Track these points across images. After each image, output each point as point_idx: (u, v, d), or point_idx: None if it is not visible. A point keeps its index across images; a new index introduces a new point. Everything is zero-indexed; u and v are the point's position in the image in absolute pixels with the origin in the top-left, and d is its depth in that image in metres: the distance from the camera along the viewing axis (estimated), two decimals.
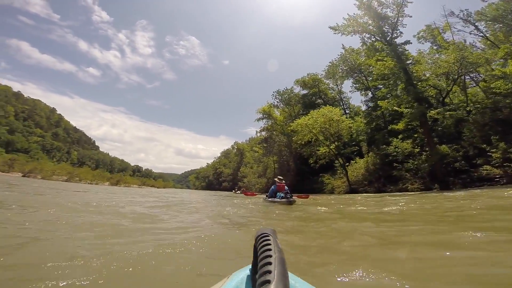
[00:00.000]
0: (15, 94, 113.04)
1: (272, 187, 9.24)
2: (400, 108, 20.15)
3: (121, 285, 1.58)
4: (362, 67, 35.96)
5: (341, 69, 38.59)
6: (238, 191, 34.97)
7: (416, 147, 19.46)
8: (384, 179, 20.58)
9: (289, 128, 28.21)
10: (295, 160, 35.80)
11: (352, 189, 22.00)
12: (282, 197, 8.31)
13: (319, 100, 39.96)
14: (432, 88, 22.23)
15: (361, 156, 26.04)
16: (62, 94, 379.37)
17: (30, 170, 31.72)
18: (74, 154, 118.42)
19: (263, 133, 40.74)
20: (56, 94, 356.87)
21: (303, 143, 26.10)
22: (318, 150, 25.07)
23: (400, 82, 21.36)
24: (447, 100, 22.23)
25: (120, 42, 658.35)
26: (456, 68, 18.46)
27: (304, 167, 32.58)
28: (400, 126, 22.93)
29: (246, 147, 75.07)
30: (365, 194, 18.72)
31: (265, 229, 0.51)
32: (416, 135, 20.73)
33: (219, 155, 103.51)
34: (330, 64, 38.46)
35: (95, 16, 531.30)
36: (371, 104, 33.01)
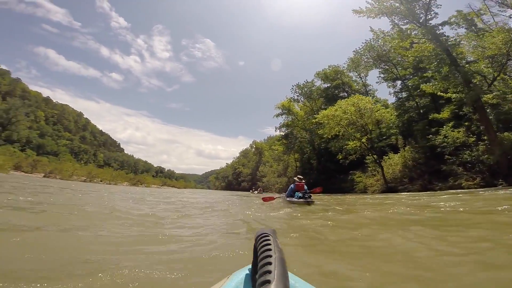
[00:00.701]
0: (44, 100, 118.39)
1: (291, 185, 8.96)
2: (447, 93, 16.98)
3: None
4: (391, 55, 32.54)
5: (366, 58, 35.28)
6: (256, 191, 34.93)
7: (471, 135, 16.16)
8: (429, 175, 17.42)
9: (313, 120, 25.53)
10: (318, 158, 32.96)
11: (390, 188, 18.96)
12: (300, 197, 8.03)
13: (342, 94, 36.85)
14: (476, 74, 18.85)
15: (394, 151, 22.84)
16: (89, 99, 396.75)
17: (50, 171, 31.43)
18: (100, 156, 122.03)
19: (283, 129, 38.11)
20: (83, 99, 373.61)
21: (329, 137, 23.33)
22: (347, 145, 22.17)
23: (443, 65, 18.17)
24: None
25: (139, 47, 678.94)
26: (505, 50, 15.10)
27: (330, 164, 29.68)
28: (445, 114, 19.66)
29: (264, 146, 72.72)
30: (406, 193, 15.78)
31: (265, 229, 0.50)
32: (467, 123, 17.44)
33: (237, 155, 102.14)
34: (354, 53, 35.19)
35: (113, 23, 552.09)
36: (404, 95, 29.58)
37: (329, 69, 39.11)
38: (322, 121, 22.58)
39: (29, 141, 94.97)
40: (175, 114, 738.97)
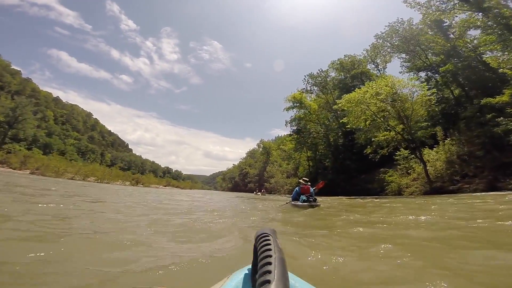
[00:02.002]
0: (54, 100, 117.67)
1: (296, 188, 8.27)
2: None
3: None
4: (421, 38, 28.17)
5: (389, 43, 31.00)
6: (259, 193, 33.77)
7: None
8: (492, 170, 13.07)
9: (334, 107, 21.38)
10: (335, 155, 28.72)
11: (435, 189, 14.62)
12: (304, 200, 7.48)
13: (361, 85, 32.63)
14: None
15: (429, 146, 18.49)
16: (100, 101, 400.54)
17: (37, 168, 28.23)
18: (107, 156, 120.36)
19: (294, 123, 33.80)
20: (95, 101, 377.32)
21: (353, 128, 19.19)
22: (376, 136, 17.92)
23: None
24: None
25: (148, 50, 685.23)
26: None
27: (350, 162, 25.44)
28: (505, 97, 15.29)
29: (272, 145, 68.54)
30: (464, 194, 11.54)
31: (265, 229, 0.50)
32: None
33: (244, 155, 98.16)
34: (375, 38, 30.89)
35: (123, 25, 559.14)
36: (436, 78, 25.23)
37: (345, 59, 34.94)
38: (345, 108, 18.41)
39: (36, 140, 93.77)
40: (184, 116, 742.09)
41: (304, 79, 33.87)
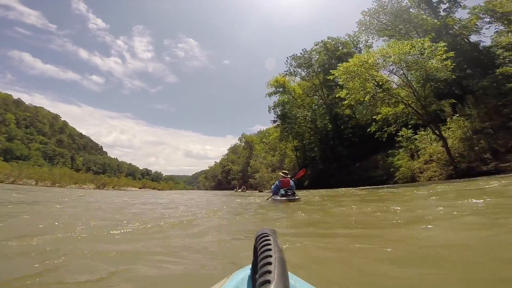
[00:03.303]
0: (15, 102, 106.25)
1: (276, 182, 7.74)
2: None
3: None
4: (412, 13, 25.66)
5: (376, 21, 28.25)
6: (239, 189, 32.64)
7: None
8: None
9: (329, 77, 17.82)
10: (324, 142, 25.49)
11: (461, 171, 11.53)
12: (283, 195, 6.97)
13: None
14: None
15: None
16: (69, 103, 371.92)
17: None
18: (79, 160, 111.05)
19: (278, 109, 30.00)
20: (64, 104, 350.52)
21: (352, 103, 15.86)
22: (380, 113, 14.62)
23: None
24: None
25: (119, 49, 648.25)
26: None
27: (342, 149, 22.26)
28: None
29: (255, 139, 64.73)
30: (508, 175, 8.51)
31: (265, 229, 0.49)
32: None
33: (226, 152, 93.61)
34: (362, 15, 27.93)
35: (91, 24, 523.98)
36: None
37: (328, 41, 31.77)
38: (342, 79, 14.94)
39: None
40: (161, 116, 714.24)
41: (287, 61, 30.22)
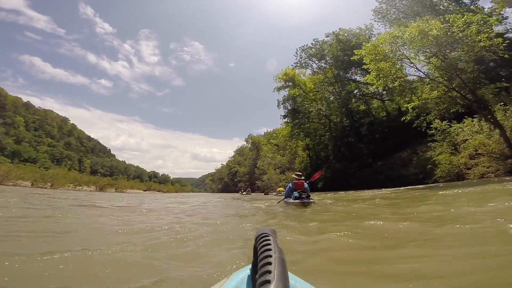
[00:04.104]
0: (24, 105, 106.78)
1: (289, 184, 7.16)
2: None
3: None
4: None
5: (394, 8, 25.60)
6: (244, 192, 31.57)
7: None
8: None
9: (354, 58, 15.13)
10: (341, 138, 22.75)
11: None
12: (296, 197, 6.31)
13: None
14: None
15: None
16: (79, 107, 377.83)
17: None
18: (87, 162, 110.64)
19: (288, 103, 27.21)
20: (74, 107, 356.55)
21: (381, 88, 13.23)
22: (417, 99, 11.87)
23: None
24: None
25: (127, 53, 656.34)
26: None
27: (363, 146, 19.55)
28: None
29: (262, 140, 62.08)
30: None
31: (265, 229, 0.49)
32: None
33: (233, 154, 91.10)
34: (378, 3, 25.26)
35: (98, 28, 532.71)
36: None
37: (341, 32, 29.11)
38: (367, 61, 12.30)
39: (3, 148, 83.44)
40: (168, 119, 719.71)
41: (296, 53, 27.57)
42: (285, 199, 7.12)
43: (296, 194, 6.43)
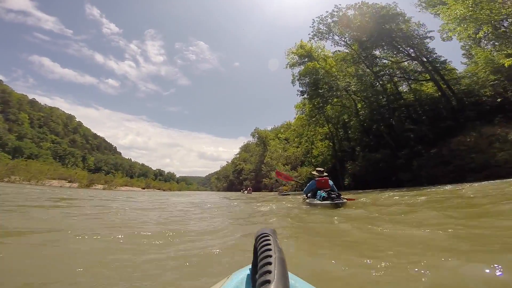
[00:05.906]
0: (30, 102, 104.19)
1: (310, 182, 6.06)
2: None
3: None
4: None
5: None
6: (245, 191, 30.49)
7: None
8: None
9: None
10: (375, 122, 17.49)
11: None
12: (324, 198, 5.16)
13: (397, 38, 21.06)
14: None
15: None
16: (88, 106, 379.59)
17: None
18: (90, 159, 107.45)
19: (306, 79, 21.79)
20: (83, 107, 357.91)
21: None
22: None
23: None
24: None
25: (133, 53, 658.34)
26: None
27: (412, 128, 14.35)
28: None
29: (269, 134, 56.88)
30: None
31: (265, 229, 0.49)
32: None
33: (238, 150, 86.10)
34: None
35: (105, 29, 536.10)
36: None
37: (365, 3, 23.72)
38: None
39: (4, 144, 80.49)
40: (174, 118, 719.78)
41: (312, 25, 22.26)
42: (307, 200, 5.94)
43: (323, 193, 5.27)
